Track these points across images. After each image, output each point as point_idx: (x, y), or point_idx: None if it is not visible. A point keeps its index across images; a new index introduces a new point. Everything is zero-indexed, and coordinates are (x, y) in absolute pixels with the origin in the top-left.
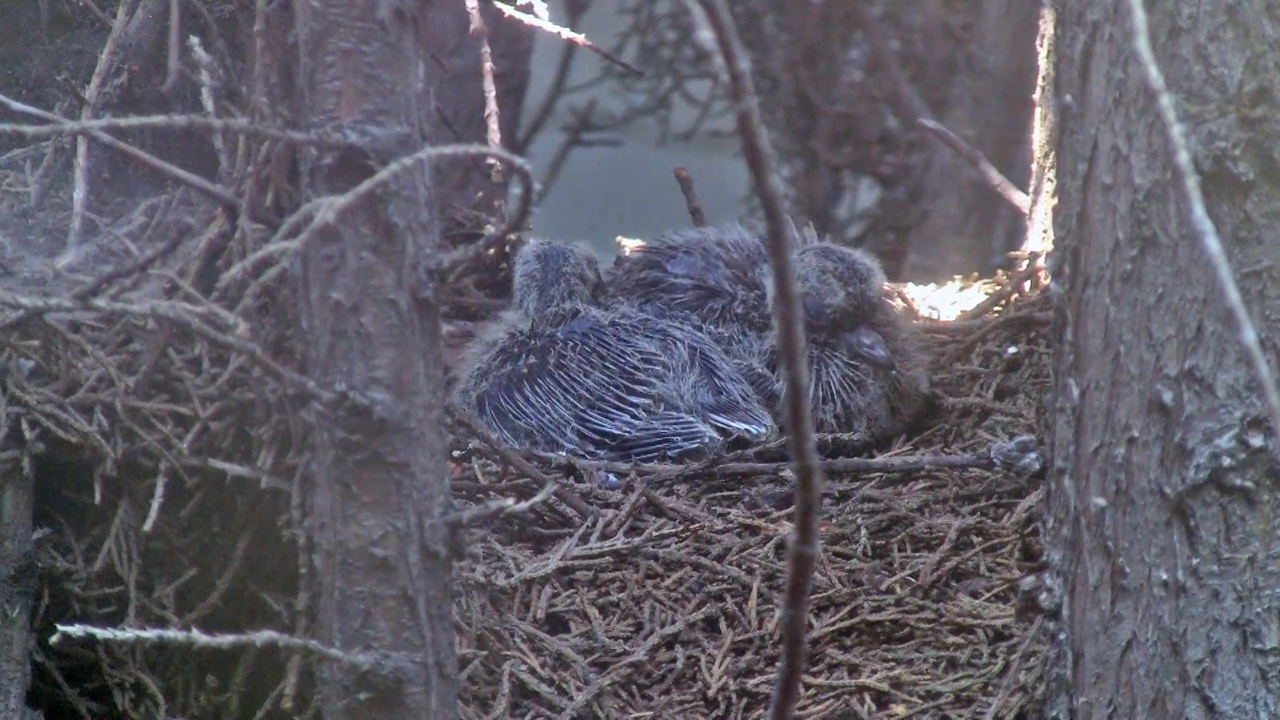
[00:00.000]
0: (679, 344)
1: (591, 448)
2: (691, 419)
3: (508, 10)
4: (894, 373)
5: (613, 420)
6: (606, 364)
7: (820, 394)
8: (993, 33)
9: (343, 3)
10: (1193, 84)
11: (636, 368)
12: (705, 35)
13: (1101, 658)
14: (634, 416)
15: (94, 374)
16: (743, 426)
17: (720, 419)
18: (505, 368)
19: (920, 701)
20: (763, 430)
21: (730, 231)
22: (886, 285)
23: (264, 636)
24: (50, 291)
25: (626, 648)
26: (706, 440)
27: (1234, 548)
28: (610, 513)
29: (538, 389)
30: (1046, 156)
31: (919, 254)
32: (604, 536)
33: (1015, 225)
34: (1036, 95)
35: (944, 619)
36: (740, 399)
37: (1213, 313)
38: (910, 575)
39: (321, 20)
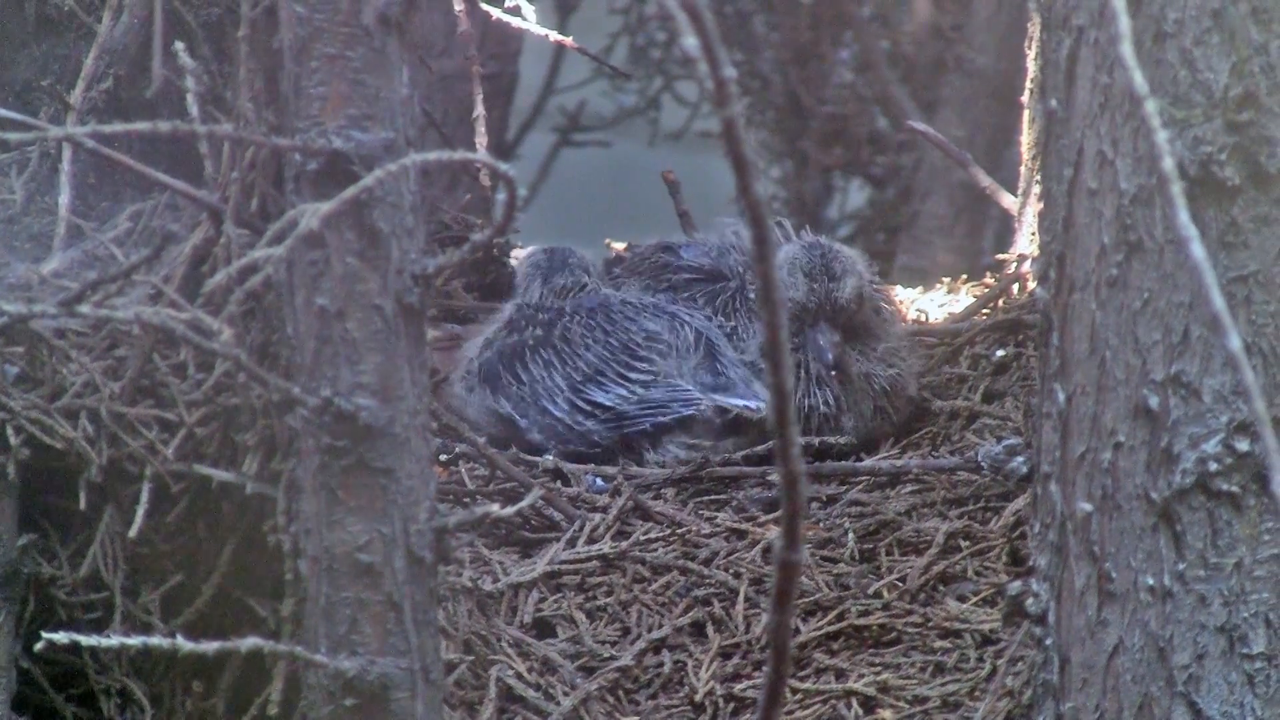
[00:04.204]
0: (686, 326)
1: (580, 417)
2: (690, 387)
3: (495, 13)
4: (832, 374)
5: (608, 393)
6: (610, 340)
7: (814, 378)
8: (982, 33)
9: (328, 8)
10: (1178, 88)
11: (639, 345)
12: (690, 42)
13: (1088, 663)
14: (630, 391)
15: (79, 380)
16: (741, 403)
17: (718, 397)
18: (511, 338)
19: (907, 706)
20: (762, 405)
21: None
22: (880, 286)
23: (249, 643)
24: (35, 297)
25: (613, 652)
26: (703, 408)
27: (1220, 552)
28: (597, 517)
29: (538, 359)
30: (1035, 158)
31: (909, 254)
32: (591, 541)
33: (1005, 226)
34: (1025, 97)
35: (931, 623)
36: (739, 381)
37: (1198, 318)
38: (898, 579)
39: (306, 26)
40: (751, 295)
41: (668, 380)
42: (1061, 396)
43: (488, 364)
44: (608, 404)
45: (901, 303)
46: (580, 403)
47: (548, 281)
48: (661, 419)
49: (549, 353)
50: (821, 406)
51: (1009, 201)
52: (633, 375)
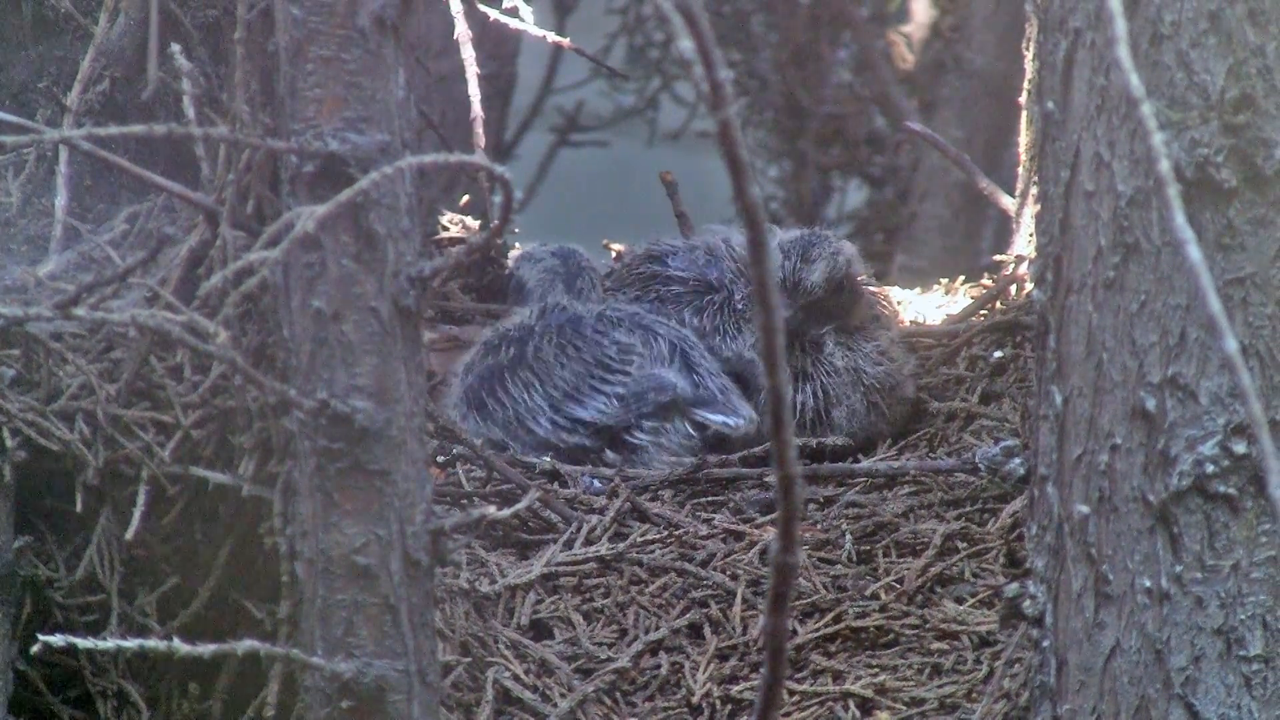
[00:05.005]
0: (659, 339)
1: (564, 435)
2: (660, 372)
3: (493, 14)
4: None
5: (587, 409)
6: (583, 355)
7: (799, 373)
8: (980, 34)
9: (323, 11)
10: (1175, 90)
11: (612, 358)
12: (686, 45)
13: (1085, 665)
14: (607, 403)
15: (75, 382)
16: (720, 419)
17: (698, 412)
18: (487, 360)
19: (904, 708)
20: (741, 421)
21: (738, 233)
22: (876, 288)
23: (246, 645)
24: (31, 300)
25: (610, 654)
26: (678, 389)
27: (1217, 555)
28: (594, 518)
29: (516, 380)
30: (1033, 159)
31: (907, 255)
32: (588, 542)
33: (1003, 226)
34: (1023, 98)
35: (929, 625)
36: (718, 392)
37: (1195, 320)
38: (895, 581)
39: (302, 28)
40: (740, 306)
41: (641, 372)
42: (1058, 398)
43: (471, 391)
44: (588, 418)
45: (899, 303)
46: (562, 420)
47: (570, 285)
48: (642, 410)
49: (526, 373)
50: (811, 401)
51: (1007, 202)
52: (608, 389)
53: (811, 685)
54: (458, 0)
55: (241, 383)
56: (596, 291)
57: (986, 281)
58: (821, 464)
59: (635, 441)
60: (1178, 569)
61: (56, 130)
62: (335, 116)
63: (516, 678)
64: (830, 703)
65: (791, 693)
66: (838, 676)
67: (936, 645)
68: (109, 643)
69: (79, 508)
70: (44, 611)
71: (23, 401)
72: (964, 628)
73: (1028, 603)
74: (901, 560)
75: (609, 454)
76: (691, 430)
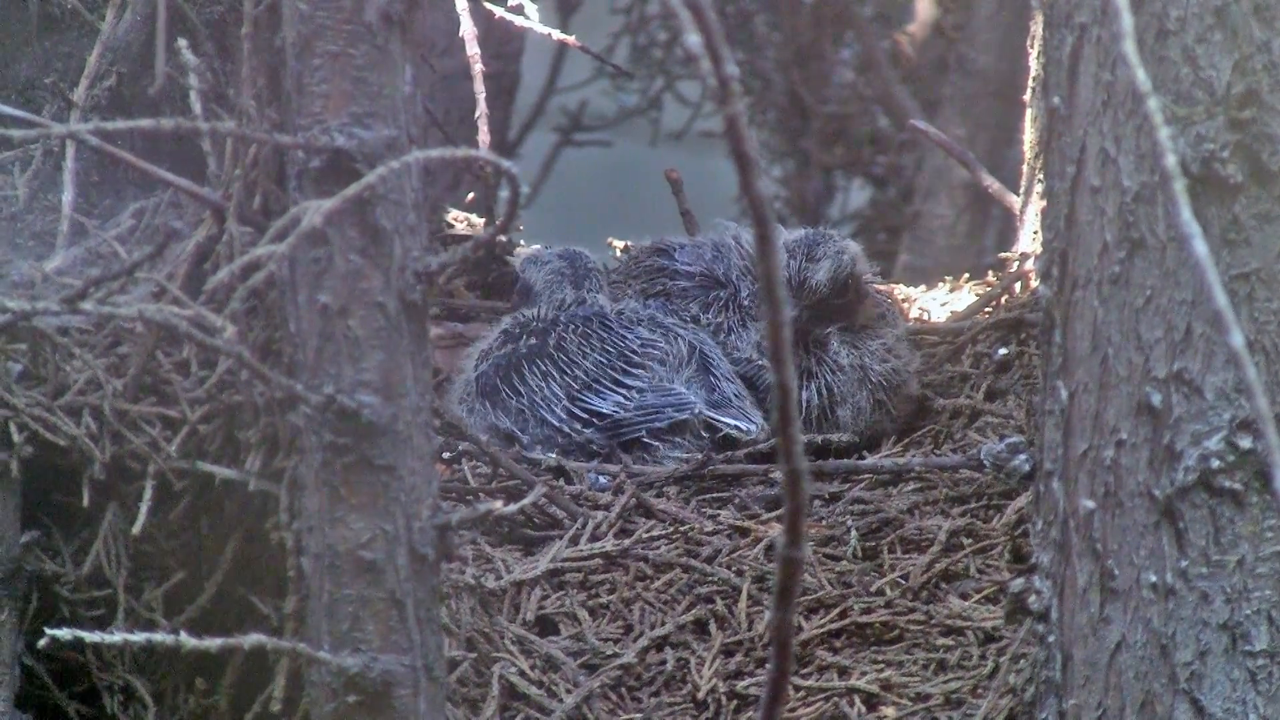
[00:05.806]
0: (679, 340)
1: (579, 426)
2: (683, 391)
3: (498, 12)
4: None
5: (605, 400)
6: (606, 347)
7: (803, 372)
8: (984, 33)
9: (330, 6)
10: (1181, 86)
11: (635, 352)
12: (693, 39)
13: (1090, 660)
14: (626, 398)
15: (82, 377)
16: (732, 423)
17: (711, 414)
18: (506, 348)
19: (910, 704)
20: (753, 427)
21: (748, 231)
22: (880, 286)
23: (252, 640)
24: (38, 295)
25: (616, 650)
26: (696, 411)
27: (1223, 550)
28: (600, 514)
29: (535, 369)
30: (1037, 157)
31: (911, 254)
32: (594, 538)
33: (1007, 225)
34: (1027, 96)
35: (934, 621)
36: (733, 397)
37: (1201, 315)
38: (900, 577)
39: (309, 23)
40: (746, 302)
41: (662, 385)
42: (1064, 394)
43: (485, 377)
44: (606, 411)
45: (904, 300)
46: (579, 411)
47: (578, 287)
48: (656, 424)
49: (545, 363)
50: (816, 399)
51: (1011, 200)
52: (629, 381)
53: (817, 681)
54: None
55: (248, 378)
56: (604, 293)
57: (991, 279)
58: (826, 460)
59: (648, 441)
60: (1183, 564)
61: (63, 125)
62: (342, 112)
63: (522, 673)
64: (836, 698)
65: (797, 688)
66: (843, 672)
67: (942, 641)
68: (116, 637)
69: (85, 503)
70: (50, 606)
71: (29, 396)
72: (969, 623)
73: (1033, 598)
74: (907, 556)
75: (619, 453)
76: (703, 431)
